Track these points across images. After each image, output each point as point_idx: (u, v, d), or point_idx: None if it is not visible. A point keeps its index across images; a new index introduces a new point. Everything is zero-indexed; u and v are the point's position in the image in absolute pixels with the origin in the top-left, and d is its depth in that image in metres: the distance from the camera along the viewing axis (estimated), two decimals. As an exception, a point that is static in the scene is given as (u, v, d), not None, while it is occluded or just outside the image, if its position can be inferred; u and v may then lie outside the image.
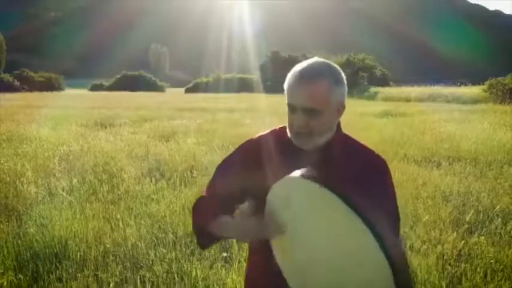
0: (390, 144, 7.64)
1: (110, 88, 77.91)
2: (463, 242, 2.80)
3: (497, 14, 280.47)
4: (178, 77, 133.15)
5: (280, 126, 1.27)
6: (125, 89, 67.88)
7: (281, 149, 1.19)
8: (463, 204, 3.88)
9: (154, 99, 36.03)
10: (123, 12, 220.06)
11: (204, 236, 1.22)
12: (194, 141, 7.42)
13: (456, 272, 2.50)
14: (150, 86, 76.28)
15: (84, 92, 70.11)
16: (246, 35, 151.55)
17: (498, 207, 3.53)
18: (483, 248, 2.80)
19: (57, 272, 2.54)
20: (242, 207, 1.17)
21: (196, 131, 9.48)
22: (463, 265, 2.53)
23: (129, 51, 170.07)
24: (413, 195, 4.10)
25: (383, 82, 48.74)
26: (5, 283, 2.25)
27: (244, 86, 61.19)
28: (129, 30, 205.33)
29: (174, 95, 51.64)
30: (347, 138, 1.27)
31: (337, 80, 1.16)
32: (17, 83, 65.34)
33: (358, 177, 1.13)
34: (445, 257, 2.61)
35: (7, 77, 67.10)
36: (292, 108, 1.14)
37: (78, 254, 2.74)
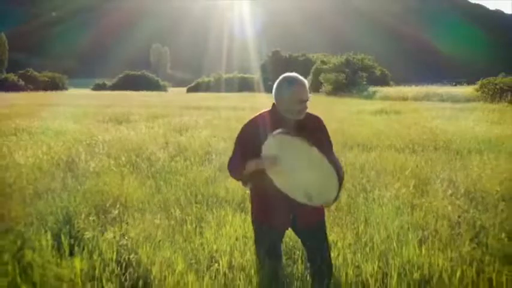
0: (378, 136, 8.70)
1: (113, 87, 78.45)
2: (414, 196, 3.85)
3: (498, 13, 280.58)
4: (179, 76, 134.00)
5: (264, 110, 2.36)
6: (127, 89, 68.72)
7: (275, 121, 2.24)
8: (428, 178, 4.94)
9: (159, 98, 37.04)
10: (123, 12, 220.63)
11: (241, 177, 2.33)
12: (207, 133, 8.49)
13: (410, 219, 3.54)
14: (152, 86, 76.76)
15: (87, 91, 71.09)
16: (247, 34, 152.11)
17: (445, 176, 4.59)
18: (433, 204, 3.84)
19: (125, 215, 3.59)
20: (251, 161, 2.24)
21: (206, 125, 10.56)
22: (415, 213, 3.57)
23: (129, 51, 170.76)
24: (390, 172, 5.16)
25: (383, 82, 49.27)
26: (88, 220, 3.29)
27: (245, 85, 62.02)
28: (129, 30, 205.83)
29: (177, 94, 52.63)
30: (309, 112, 2.34)
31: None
32: (22, 83, 66.24)
33: (316, 129, 2.29)
34: (401, 207, 3.66)
35: (12, 76, 68.06)
36: (299, 101, 2.21)
37: (139, 204, 3.78)
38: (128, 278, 2.29)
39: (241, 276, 2.20)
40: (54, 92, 55.80)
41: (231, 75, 74.05)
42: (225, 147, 6.48)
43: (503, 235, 2.78)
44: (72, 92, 63.41)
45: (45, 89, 65.08)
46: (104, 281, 2.27)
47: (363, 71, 47.33)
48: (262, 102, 26.00)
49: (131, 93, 47.98)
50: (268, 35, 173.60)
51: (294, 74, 2.29)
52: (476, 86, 25.60)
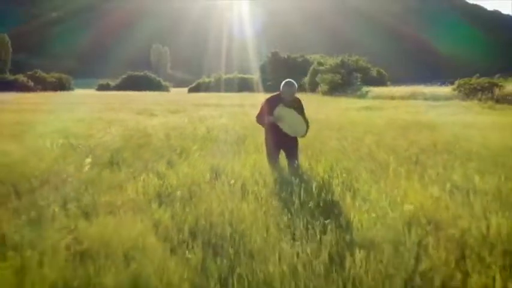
0: (352, 124, 11.53)
1: (117, 88, 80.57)
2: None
3: (496, 14, 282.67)
4: (179, 76, 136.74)
5: (274, 94, 5.27)
6: (130, 89, 71.00)
7: (279, 99, 5.14)
8: (364, 140, 7.76)
9: (165, 97, 39.75)
10: (123, 12, 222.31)
11: (262, 123, 5.24)
12: (223, 121, 11.28)
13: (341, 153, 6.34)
14: (154, 86, 78.58)
15: (92, 91, 73.68)
16: (247, 35, 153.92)
17: (376, 139, 7.41)
18: (359, 148, 6.65)
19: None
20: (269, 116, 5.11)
21: (219, 117, 13.38)
22: (347, 152, 6.39)
23: (129, 51, 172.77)
24: (343, 139, 8.00)
25: (380, 82, 51.62)
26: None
27: (244, 85, 64.26)
28: (129, 31, 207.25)
29: (179, 94, 55.17)
30: (295, 96, 5.22)
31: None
32: (31, 83, 68.57)
33: (297, 104, 5.14)
34: (340, 149, 6.47)
35: (21, 77, 70.50)
36: (291, 94, 5.14)
37: (197, 150, 6.59)
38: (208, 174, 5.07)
39: (262, 168, 5.02)
40: (64, 92, 58.40)
41: (231, 75, 76.11)
42: (239, 129, 9.31)
43: (391, 158, 5.63)
44: (79, 92, 65.76)
45: (54, 89, 67.58)
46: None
47: (358, 72, 49.48)
48: (261, 100, 28.74)
49: (137, 94, 50.43)
50: (268, 35, 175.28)
51: (291, 80, 5.20)
52: (454, 86, 28.44)
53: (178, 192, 3.91)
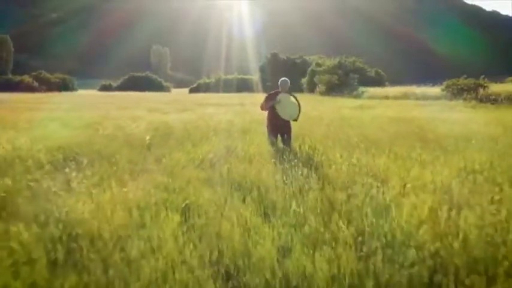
0: (343, 120, 13.25)
1: (118, 88, 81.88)
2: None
3: (494, 14, 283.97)
4: (179, 77, 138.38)
5: (275, 90, 7.12)
6: (132, 89, 72.41)
7: (278, 93, 6.98)
8: (343, 127, 9.51)
9: (169, 97, 41.41)
10: (123, 13, 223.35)
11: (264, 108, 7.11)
12: (228, 117, 13.02)
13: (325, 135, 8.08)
14: (156, 87, 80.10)
15: (95, 92, 75.18)
16: (246, 35, 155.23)
17: (359, 130, 9.16)
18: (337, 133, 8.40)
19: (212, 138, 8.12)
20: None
21: (224, 113, 15.10)
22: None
23: (129, 52, 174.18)
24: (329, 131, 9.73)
25: (378, 82, 53.21)
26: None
27: (244, 86, 65.94)
28: (129, 31, 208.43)
29: (181, 95, 56.73)
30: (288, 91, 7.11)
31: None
32: (36, 84, 69.99)
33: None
34: (324, 134, 8.21)
35: (27, 78, 72.00)
36: (285, 88, 7.07)
37: (213, 136, 8.33)
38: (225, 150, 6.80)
39: (263, 147, 6.75)
40: (70, 93, 59.88)
41: (231, 76, 77.68)
42: (243, 123, 11.05)
43: (355, 139, 7.35)
44: (85, 92, 67.08)
45: (58, 90, 69.00)
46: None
47: (355, 73, 50.97)
48: (261, 99, 30.37)
49: (141, 94, 51.99)
50: (267, 35, 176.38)
51: (285, 78, 7.06)
52: (442, 87, 30.17)
53: (210, 156, 5.66)
